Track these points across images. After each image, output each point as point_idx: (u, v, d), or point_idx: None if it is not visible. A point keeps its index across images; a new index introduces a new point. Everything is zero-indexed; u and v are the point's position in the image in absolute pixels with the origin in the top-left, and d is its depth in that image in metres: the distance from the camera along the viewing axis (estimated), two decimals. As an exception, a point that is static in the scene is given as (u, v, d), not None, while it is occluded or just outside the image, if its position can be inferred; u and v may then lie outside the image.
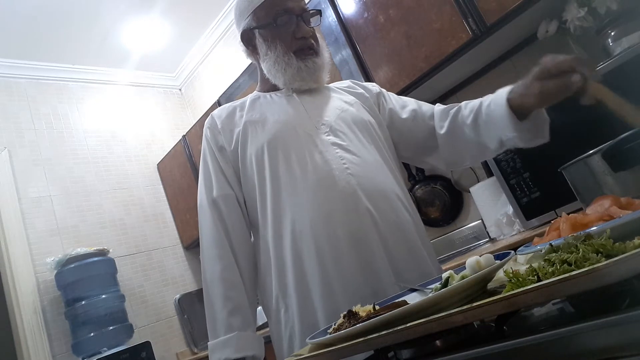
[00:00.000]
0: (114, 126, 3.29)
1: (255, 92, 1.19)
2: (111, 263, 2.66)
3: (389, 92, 1.23)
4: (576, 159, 0.79)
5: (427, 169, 2.32)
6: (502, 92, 0.92)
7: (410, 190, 2.39)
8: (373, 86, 1.23)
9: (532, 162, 1.54)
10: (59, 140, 2.98)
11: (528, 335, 0.42)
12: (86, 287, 2.46)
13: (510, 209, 1.73)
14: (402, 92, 1.97)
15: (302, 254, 0.97)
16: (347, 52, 2.13)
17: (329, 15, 2.17)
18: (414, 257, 0.99)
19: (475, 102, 1.03)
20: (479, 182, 2.03)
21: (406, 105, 1.17)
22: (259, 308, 1.11)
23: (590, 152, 0.76)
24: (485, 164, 1.99)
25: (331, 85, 1.21)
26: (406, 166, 2.36)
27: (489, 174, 1.98)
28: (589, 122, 1.34)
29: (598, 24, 1.57)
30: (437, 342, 0.52)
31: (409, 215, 1.04)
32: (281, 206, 1.01)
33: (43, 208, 2.73)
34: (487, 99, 0.98)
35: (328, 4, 2.17)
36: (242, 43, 1.15)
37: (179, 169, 3.18)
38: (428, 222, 2.36)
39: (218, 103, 2.95)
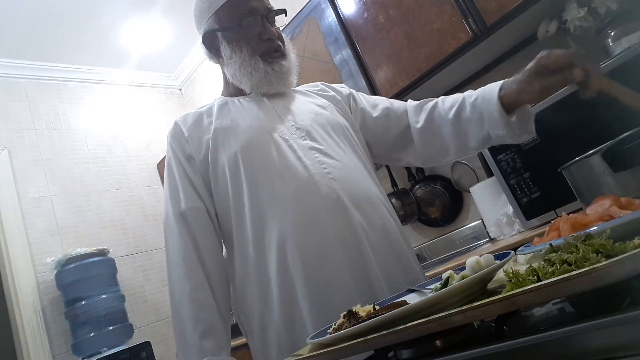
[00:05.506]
0: (114, 126, 3.29)
1: (221, 97, 1.12)
2: (111, 263, 2.66)
3: (358, 93, 1.20)
4: (576, 159, 0.79)
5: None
6: (492, 89, 0.90)
7: (410, 190, 2.39)
8: (342, 88, 1.20)
9: (532, 162, 1.54)
10: (59, 140, 2.98)
11: (528, 335, 0.42)
12: (86, 287, 2.46)
13: (510, 209, 1.73)
14: (402, 92, 1.97)
15: (288, 265, 0.91)
16: (347, 52, 2.13)
17: (329, 15, 2.17)
18: (401, 260, 0.97)
19: (456, 97, 0.99)
20: (479, 182, 2.03)
21: (377, 104, 1.14)
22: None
23: (590, 152, 0.75)
24: (485, 164, 1.99)
25: (300, 87, 1.17)
26: (406, 166, 2.36)
27: (489, 174, 1.97)
28: (589, 122, 1.34)
29: (598, 24, 1.57)
30: (437, 342, 0.52)
31: (392, 218, 1.02)
32: (261, 216, 0.94)
33: (43, 208, 2.72)
34: (473, 94, 0.95)
35: (328, 4, 2.17)
36: (203, 46, 1.09)
37: (179, 169, 3.17)
38: (428, 222, 2.36)
39: (218, 103, 2.94)
